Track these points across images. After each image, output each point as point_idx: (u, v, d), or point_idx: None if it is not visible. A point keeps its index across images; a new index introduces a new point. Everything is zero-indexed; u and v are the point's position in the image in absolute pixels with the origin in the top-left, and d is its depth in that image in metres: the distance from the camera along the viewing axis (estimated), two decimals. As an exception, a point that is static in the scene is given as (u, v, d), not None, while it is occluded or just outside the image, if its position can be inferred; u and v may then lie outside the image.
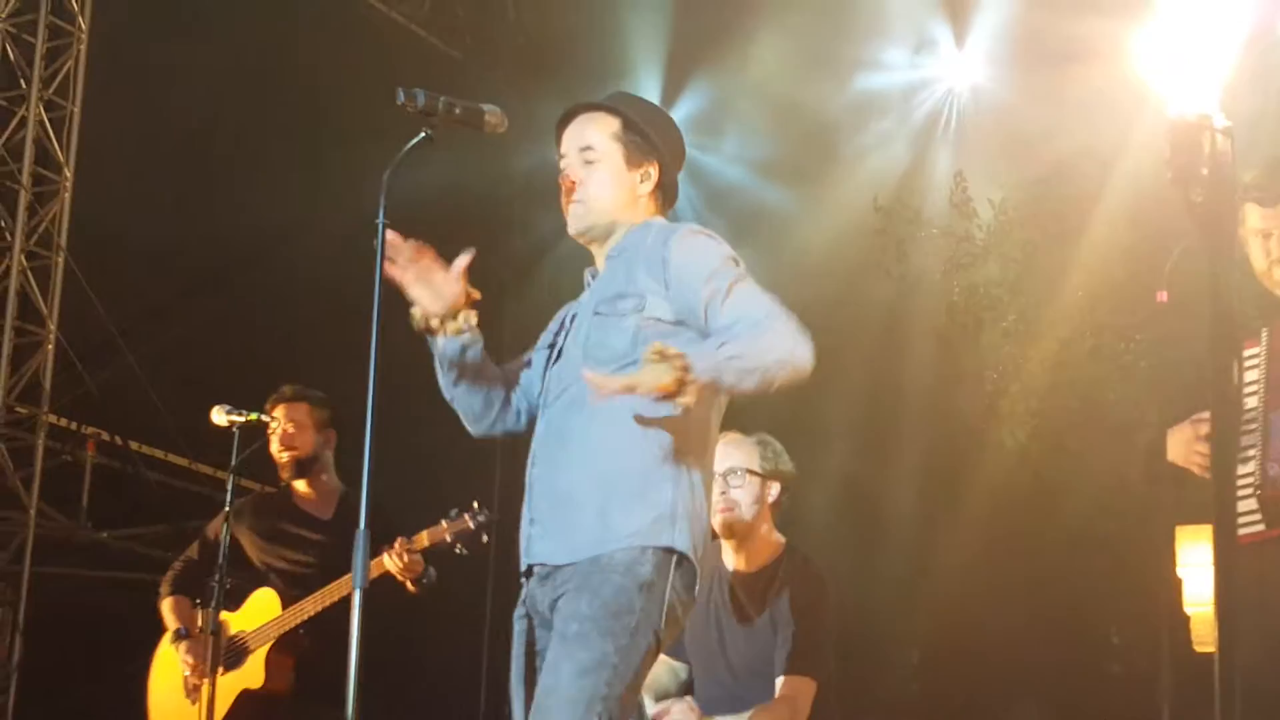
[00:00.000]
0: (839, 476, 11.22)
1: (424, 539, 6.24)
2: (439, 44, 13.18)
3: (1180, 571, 6.19)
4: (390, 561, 6.23)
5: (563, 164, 4.18)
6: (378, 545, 6.20)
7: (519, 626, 4.05)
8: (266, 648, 6.63)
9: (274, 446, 6.87)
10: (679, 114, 12.96)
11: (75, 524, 11.28)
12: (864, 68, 12.00)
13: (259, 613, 6.71)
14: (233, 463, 6.28)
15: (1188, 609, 6.00)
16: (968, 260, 11.65)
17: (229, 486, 6.26)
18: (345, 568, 6.25)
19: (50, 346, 11.06)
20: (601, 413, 3.85)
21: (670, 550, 3.86)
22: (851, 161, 12.31)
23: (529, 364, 4.29)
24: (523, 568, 4.03)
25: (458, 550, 6.21)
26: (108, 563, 11.01)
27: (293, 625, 6.58)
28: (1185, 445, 5.24)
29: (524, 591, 4.05)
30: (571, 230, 4.16)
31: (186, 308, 11.16)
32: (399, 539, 6.26)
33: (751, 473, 5.76)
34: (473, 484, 6.45)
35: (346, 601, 6.32)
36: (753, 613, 5.71)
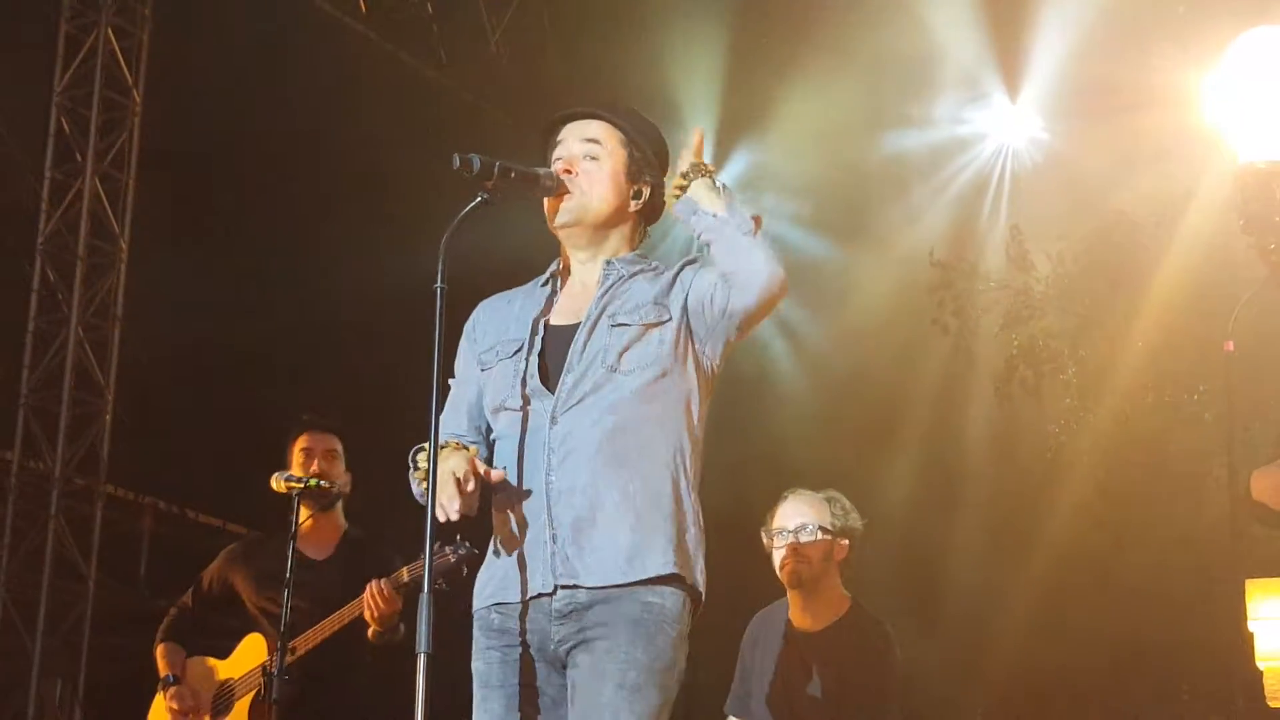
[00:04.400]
0: (901, 533, 11.13)
1: (404, 574, 5.98)
2: (490, 108, 13.24)
3: (1252, 625, 6.08)
4: (369, 597, 6.00)
5: (560, 150, 4.09)
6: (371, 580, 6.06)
7: (497, 656, 3.89)
8: (250, 696, 6.45)
9: (284, 474, 6.33)
10: (732, 171, 13.00)
11: (134, 593, 11.29)
12: (917, 123, 12.00)
13: (247, 659, 6.53)
14: (292, 529, 6.16)
15: (1260, 663, 5.90)
16: (1026, 314, 11.58)
17: (289, 553, 6.11)
18: (337, 608, 6.12)
19: (108, 417, 11.10)
20: (626, 428, 3.86)
21: (697, 593, 3.89)
22: (907, 217, 12.29)
23: (479, 385, 4.10)
24: (533, 590, 3.84)
25: (438, 585, 5.84)
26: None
27: (272, 665, 6.12)
28: (1275, 486, 5.15)
29: (503, 622, 3.89)
30: (560, 220, 4.04)
31: (244, 374, 11.18)
32: (378, 576, 6.02)
33: (824, 530, 5.73)
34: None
35: (336, 645, 6.14)
36: (820, 670, 5.66)
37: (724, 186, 3.99)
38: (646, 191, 4.12)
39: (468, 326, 4.19)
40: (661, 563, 3.80)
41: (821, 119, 11.87)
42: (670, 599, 3.81)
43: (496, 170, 3.89)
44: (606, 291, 4.02)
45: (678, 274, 4.03)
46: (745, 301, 3.91)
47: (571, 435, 3.87)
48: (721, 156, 12.86)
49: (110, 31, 11.26)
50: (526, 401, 3.95)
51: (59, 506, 10.90)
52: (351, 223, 11.62)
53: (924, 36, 11.32)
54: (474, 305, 4.23)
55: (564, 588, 3.81)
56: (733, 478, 9.86)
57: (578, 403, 3.89)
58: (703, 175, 4.01)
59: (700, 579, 3.90)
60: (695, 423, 3.98)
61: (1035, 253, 11.49)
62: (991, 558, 11.42)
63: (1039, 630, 10.82)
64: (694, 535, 3.91)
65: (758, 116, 12.39)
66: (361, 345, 11.46)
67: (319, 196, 11.69)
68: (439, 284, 3.80)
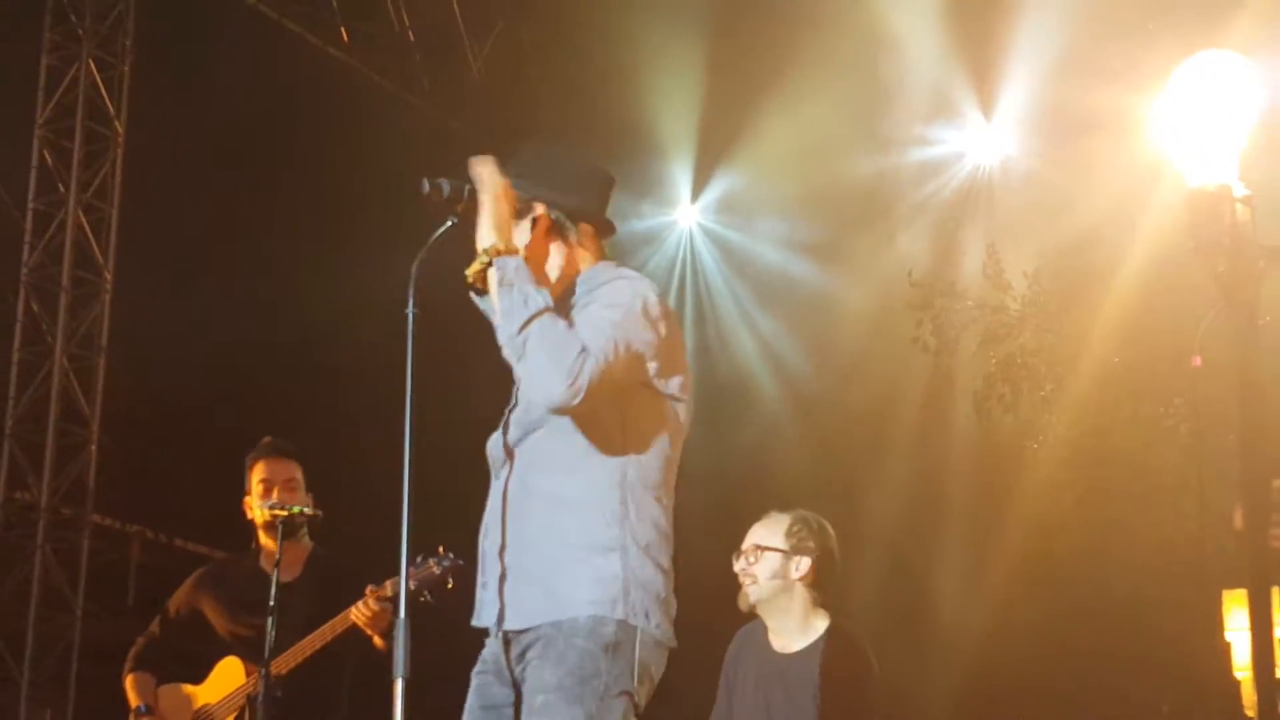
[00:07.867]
0: (883, 551, 11.18)
1: (388, 588, 6.00)
2: (473, 132, 13.29)
3: (1228, 636, 6.12)
4: (357, 613, 6.04)
5: None
6: (348, 603, 6.09)
7: (475, 682, 3.95)
8: (232, 719, 6.41)
9: (265, 502, 6.39)
10: (711, 195, 13.08)
11: (122, 622, 11.32)
12: (895, 144, 12.06)
13: (224, 683, 6.48)
14: (276, 559, 6.17)
15: (1238, 674, 5.93)
16: (1003, 332, 11.64)
17: (273, 581, 6.13)
18: (309, 629, 6.13)
19: (94, 447, 11.13)
20: (535, 483, 3.83)
21: (629, 627, 3.76)
22: (885, 237, 12.36)
23: None
24: (483, 623, 3.94)
25: (423, 598, 5.82)
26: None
27: (258, 690, 6.13)
28: None
29: (485, 650, 3.96)
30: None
31: (227, 402, 11.21)
32: (368, 588, 6.04)
33: (767, 549, 5.74)
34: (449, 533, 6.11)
35: (317, 664, 6.14)
36: (796, 692, 5.67)
37: (507, 272, 3.76)
38: (540, 209, 3.96)
39: None
40: (571, 602, 3.74)
41: (800, 140, 11.93)
42: (586, 621, 3.73)
43: (466, 193, 3.89)
44: None
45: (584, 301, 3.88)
46: (541, 405, 3.76)
47: (499, 499, 3.90)
48: (701, 179, 12.95)
49: (92, 63, 11.32)
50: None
51: (46, 537, 10.93)
52: (334, 249, 11.65)
53: (900, 57, 11.39)
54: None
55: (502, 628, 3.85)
56: (716, 499, 9.90)
57: (509, 455, 3.91)
58: (488, 258, 3.81)
59: (636, 614, 3.76)
60: (640, 451, 3.84)
61: (1011, 271, 11.55)
62: (974, 572, 11.48)
63: (1021, 642, 10.87)
64: (633, 583, 3.77)
65: (735, 138, 12.45)
66: (349, 368, 11.48)
67: (302, 224, 11.72)
68: (410, 308, 3.80)
